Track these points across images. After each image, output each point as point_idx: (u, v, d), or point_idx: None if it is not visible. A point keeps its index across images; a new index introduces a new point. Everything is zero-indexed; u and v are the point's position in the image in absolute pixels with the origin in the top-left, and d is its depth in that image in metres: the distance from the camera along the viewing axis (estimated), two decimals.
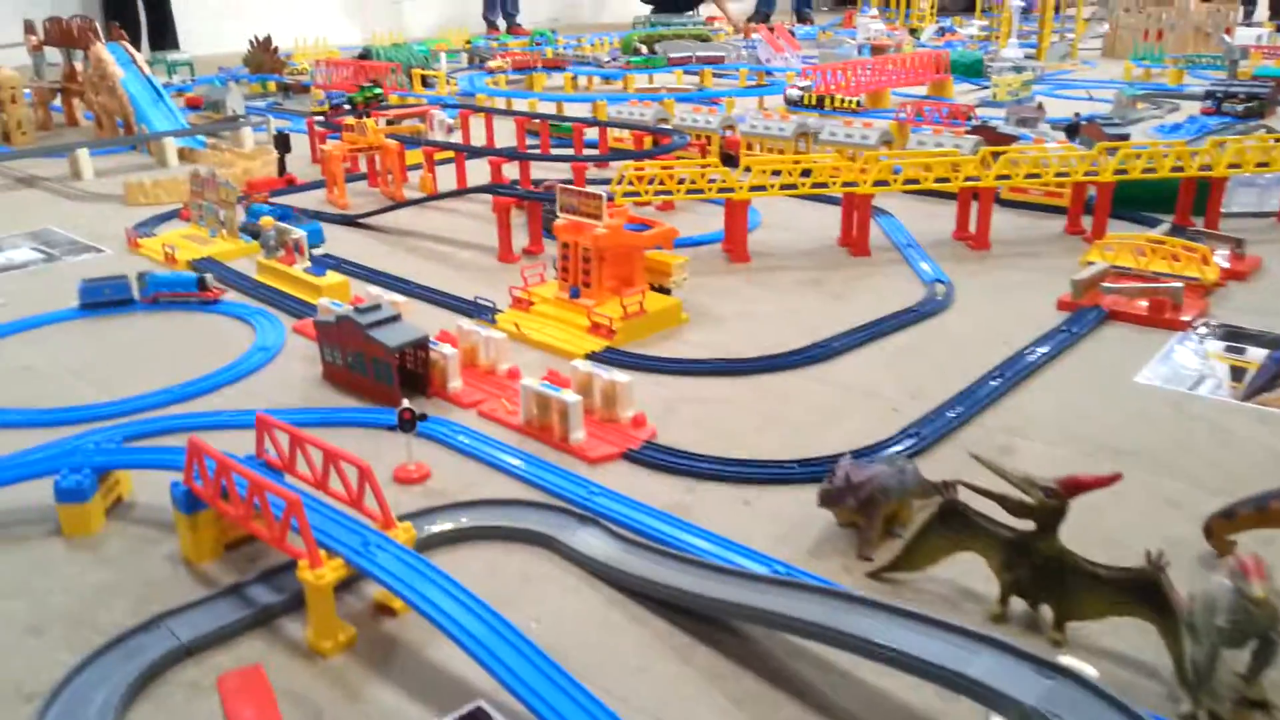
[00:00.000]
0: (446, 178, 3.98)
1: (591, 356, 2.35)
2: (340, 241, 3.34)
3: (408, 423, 1.87)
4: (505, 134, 4.88)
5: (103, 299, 2.74)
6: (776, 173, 2.98)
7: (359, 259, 3.11)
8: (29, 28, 6.30)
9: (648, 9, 11.05)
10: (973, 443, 1.92)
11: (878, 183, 2.98)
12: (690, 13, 10.45)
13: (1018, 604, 1.44)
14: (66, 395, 2.22)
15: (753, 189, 2.95)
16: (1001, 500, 1.41)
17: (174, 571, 1.58)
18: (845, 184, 2.98)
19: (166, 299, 2.75)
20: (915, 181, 3.03)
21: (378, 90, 5.00)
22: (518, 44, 8.81)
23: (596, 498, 1.74)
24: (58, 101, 5.95)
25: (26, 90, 5.51)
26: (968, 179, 3.04)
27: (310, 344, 2.47)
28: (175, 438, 2.00)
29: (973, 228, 3.15)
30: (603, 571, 1.54)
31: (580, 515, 1.66)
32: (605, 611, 1.47)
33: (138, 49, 6.48)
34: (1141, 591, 1.32)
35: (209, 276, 2.78)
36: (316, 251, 2.99)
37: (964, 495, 1.46)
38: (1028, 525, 1.40)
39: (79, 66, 5.67)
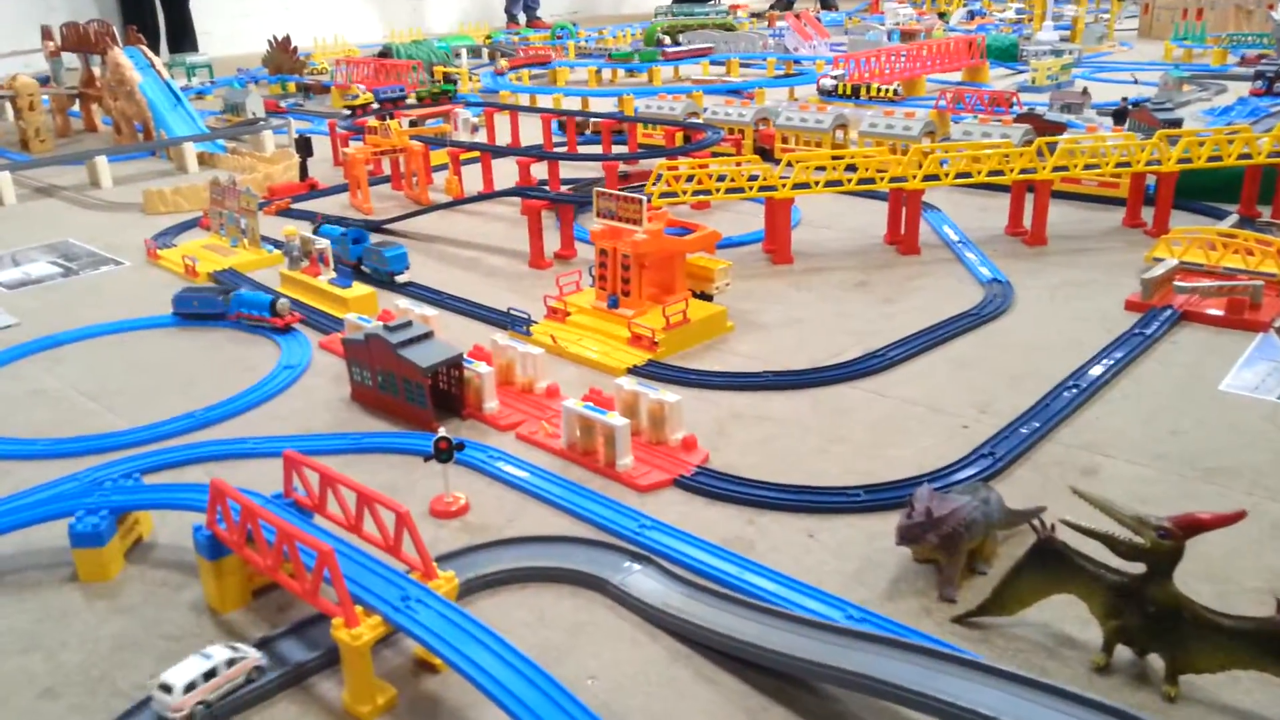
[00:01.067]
0: (472, 178, 3.85)
1: (634, 371, 2.22)
2: None
3: (444, 453, 1.75)
4: (531, 131, 4.75)
5: (192, 310, 2.67)
6: (819, 168, 2.83)
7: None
8: (46, 33, 6.21)
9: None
10: (1052, 463, 1.78)
11: (928, 177, 2.83)
12: (712, 1, 10.25)
13: (1123, 652, 1.30)
14: (86, 420, 2.11)
15: (796, 186, 2.80)
16: (1108, 541, 1.27)
17: (198, 622, 1.47)
18: (894, 179, 2.83)
19: (247, 320, 2.59)
20: (967, 175, 2.88)
21: (449, 87, 4.74)
22: (538, 37, 8.67)
23: (649, 532, 1.61)
24: (76, 107, 5.87)
25: (44, 96, 5.43)
26: (1023, 171, 2.88)
27: (338, 361, 2.35)
28: (199, 469, 1.89)
29: (1027, 222, 2.99)
30: (661, 619, 1.41)
31: (634, 553, 1.54)
32: (667, 667, 1.34)
33: (156, 52, 6.40)
34: (1270, 643, 1.18)
35: (284, 302, 2.56)
36: (401, 279, 2.82)
37: (1062, 531, 1.32)
38: (1137, 568, 1.26)
39: (96, 71, 5.58)
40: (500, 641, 1.22)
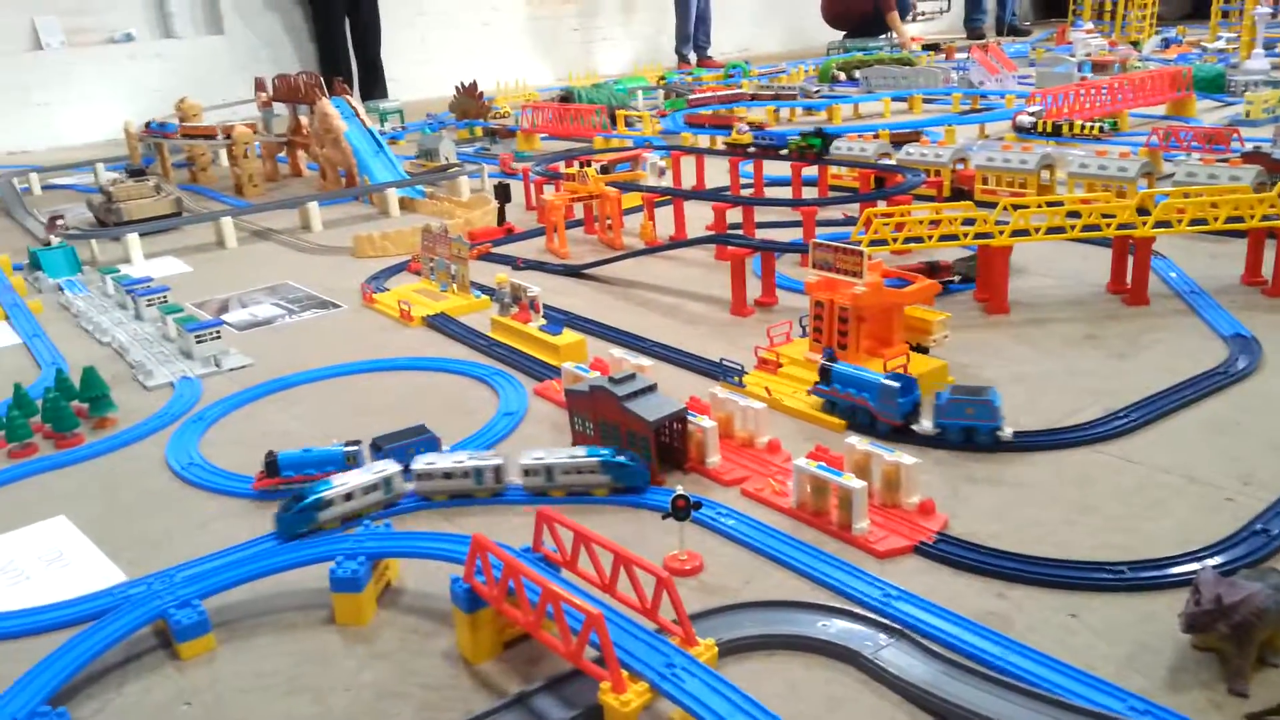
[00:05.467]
0: (663, 221, 3.89)
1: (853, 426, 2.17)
2: (566, 294, 3.29)
3: (682, 511, 1.74)
4: (717, 172, 4.77)
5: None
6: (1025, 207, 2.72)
7: (588, 313, 3.04)
8: (259, 85, 6.68)
9: (840, 34, 10.79)
10: None
11: (1159, 224, 2.67)
12: (885, 35, 10.12)
13: None
14: None
15: (1015, 234, 2.69)
16: None
17: (453, 674, 1.50)
18: (1122, 226, 2.69)
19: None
20: (1202, 221, 2.70)
21: (817, 142, 4.19)
22: (711, 76, 8.75)
23: (895, 602, 1.56)
24: (283, 153, 6.27)
25: (256, 144, 5.82)
26: (1265, 218, 2.68)
27: (554, 408, 2.39)
28: (436, 514, 1.95)
29: (1267, 271, 2.79)
30: (922, 699, 1.35)
31: (886, 626, 1.48)
32: None
33: None
34: None
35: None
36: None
37: None
38: None
39: (304, 120, 5.94)
40: (770, 716, 1.19)
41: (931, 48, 9.43)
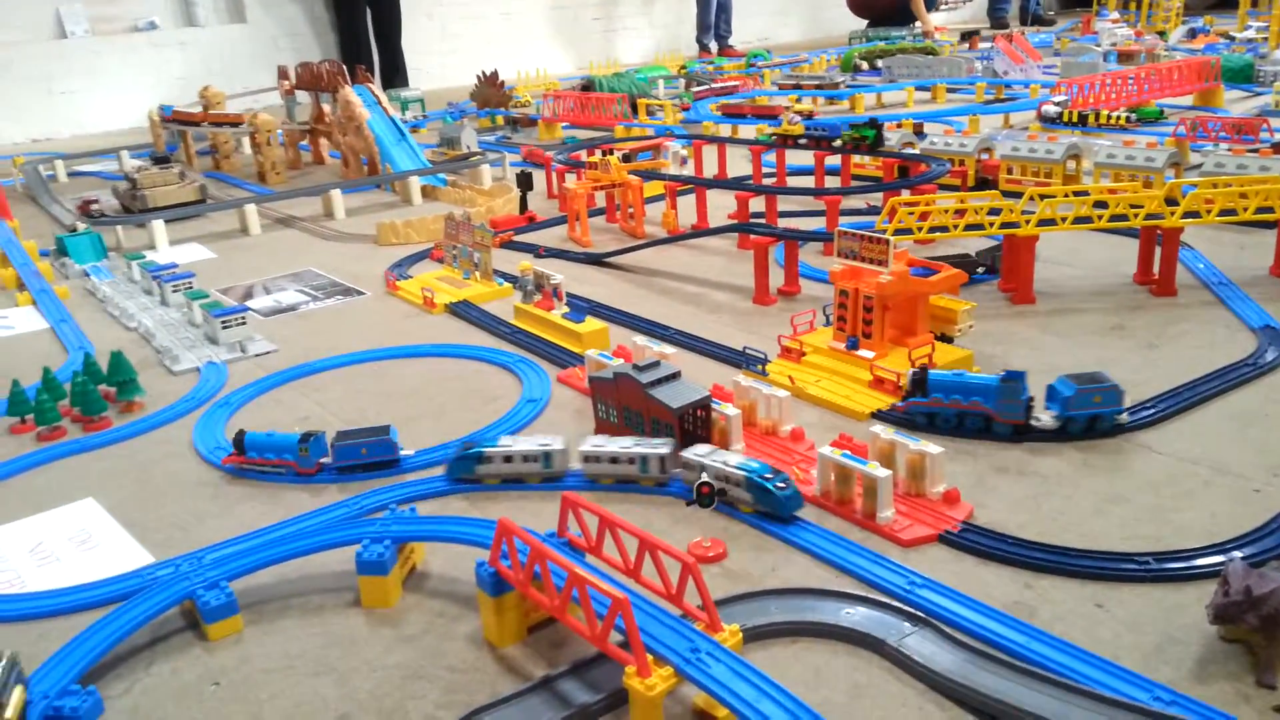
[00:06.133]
0: (685, 211, 3.88)
1: (878, 415, 2.16)
2: (589, 282, 3.29)
3: (706, 498, 1.75)
4: (738, 161, 4.76)
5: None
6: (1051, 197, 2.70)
7: (611, 301, 3.04)
8: (283, 73, 6.70)
9: (863, 23, 10.73)
10: None
11: (1188, 214, 2.65)
12: (910, 25, 10.05)
13: None
14: None
15: (1041, 223, 2.67)
16: None
17: (478, 656, 1.51)
18: (1150, 216, 2.66)
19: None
20: (1231, 212, 2.68)
21: (871, 134, 3.87)
22: (732, 65, 8.72)
23: (920, 590, 1.55)
24: (305, 141, 6.29)
25: (279, 131, 5.84)
26: None
27: (577, 395, 2.40)
28: (461, 499, 1.96)
29: None
30: (947, 687, 1.35)
31: (910, 614, 1.48)
32: None
33: None
34: None
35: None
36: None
37: None
38: None
39: (326, 108, 5.96)
40: (795, 701, 1.19)
41: (971, 34, 9.32)
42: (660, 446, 1.90)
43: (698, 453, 1.86)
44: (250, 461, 2.12)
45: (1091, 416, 1.98)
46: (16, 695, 1.36)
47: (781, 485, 1.76)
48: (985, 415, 2.00)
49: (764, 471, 1.78)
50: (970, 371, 2.21)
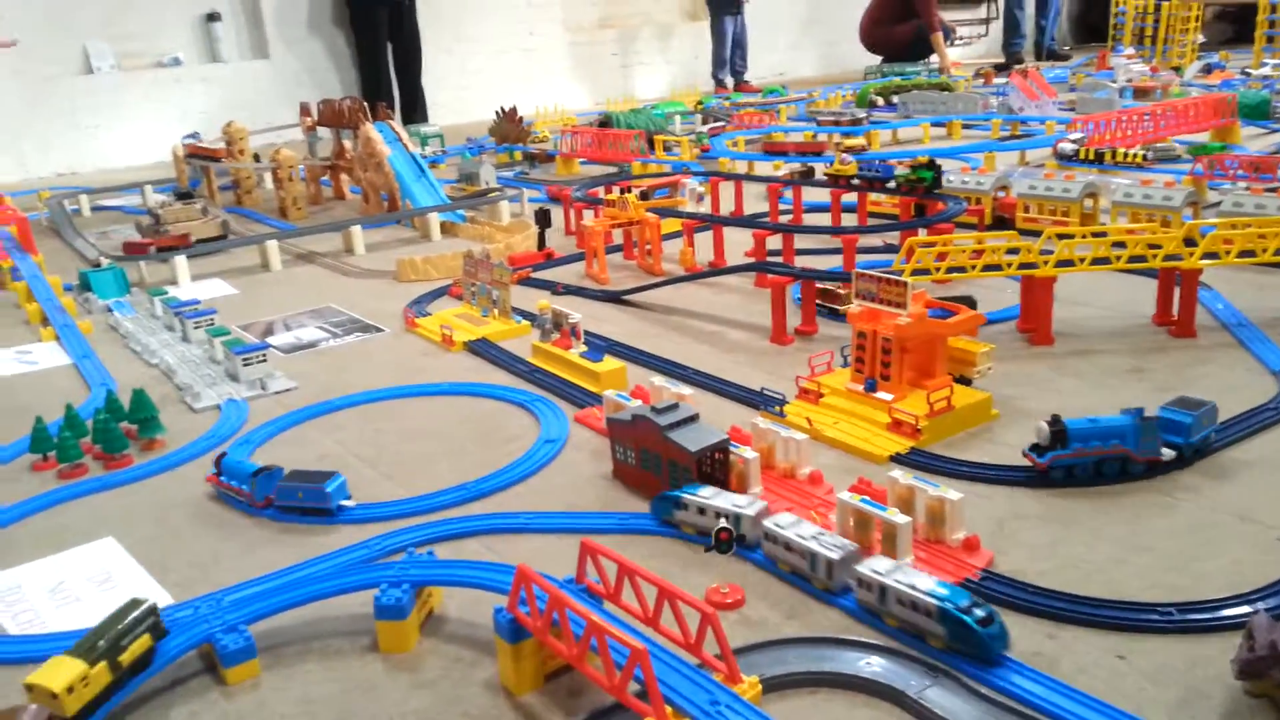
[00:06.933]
0: (703, 247, 3.90)
1: (896, 459, 2.16)
2: (607, 320, 3.31)
3: (724, 544, 1.75)
4: (754, 199, 4.78)
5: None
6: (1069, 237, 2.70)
7: (629, 340, 3.05)
8: (304, 109, 6.79)
9: (878, 59, 10.79)
10: None
11: (1207, 255, 2.64)
12: (925, 61, 10.10)
13: None
14: (368, 488, 2.23)
15: (1059, 264, 2.67)
16: None
17: (495, 703, 1.50)
18: (1168, 257, 2.66)
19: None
20: (1250, 254, 2.67)
21: (929, 175, 3.74)
22: (748, 101, 8.77)
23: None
24: (326, 177, 6.36)
25: (300, 167, 5.92)
26: None
27: (595, 435, 2.40)
28: (476, 541, 1.96)
29: None
30: None
31: (930, 665, 1.47)
32: None
33: None
34: None
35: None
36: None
37: None
38: None
39: (347, 144, 6.03)
40: None
41: (1005, 66, 9.35)
42: (833, 549, 1.68)
43: (875, 569, 1.60)
44: (222, 485, 2.21)
45: (1203, 438, 2.04)
46: (140, 643, 1.49)
47: (983, 618, 1.47)
48: (1124, 457, 1.97)
49: (959, 600, 1.50)
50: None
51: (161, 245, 4.49)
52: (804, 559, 1.71)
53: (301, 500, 2.10)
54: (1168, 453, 2.00)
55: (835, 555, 1.67)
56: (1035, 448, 2.01)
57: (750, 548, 1.82)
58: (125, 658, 1.48)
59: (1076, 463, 1.97)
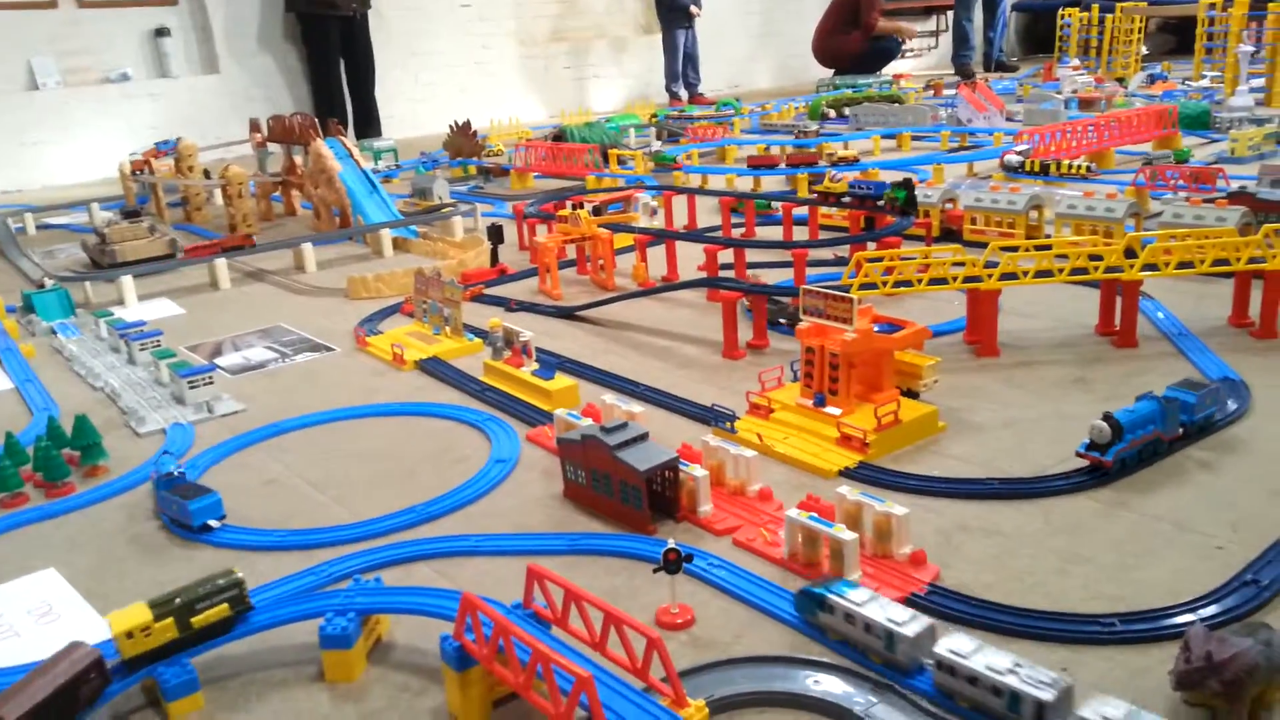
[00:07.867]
0: (655, 262, 3.91)
1: (845, 473, 2.17)
2: (559, 336, 3.30)
3: (674, 564, 1.74)
4: (707, 212, 4.81)
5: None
6: (1013, 249, 2.74)
7: (581, 356, 3.05)
8: (254, 125, 6.72)
9: (829, 71, 10.91)
10: None
11: (1147, 267, 2.70)
12: (878, 74, 10.22)
13: None
14: (316, 512, 2.21)
15: (1004, 277, 2.71)
16: None
17: None
18: (1109, 269, 2.71)
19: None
20: (1189, 265, 2.73)
21: (902, 195, 3.68)
22: (702, 113, 8.81)
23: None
24: (277, 193, 6.29)
25: (251, 183, 5.85)
26: (1251, 260, 2.71)
27: (546, 455, 2.40)
28: (426, 565, 1.94)
29: (1254, 312, 2.81)
30: None
31: (875, 681, 1.48)
32: None
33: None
34: None
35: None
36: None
37: None
38: None
39: (298, 160, 5.98)
40: None
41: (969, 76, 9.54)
42: (1043, 689, 1.32)
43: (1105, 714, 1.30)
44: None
45: (1206, 416, 2.20)
46: (218, 610, 1.59)
47: None
48: (1155, 439, 2.10)
49: None
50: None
51: (225, 246, 4.63)
52: (999, 696, 1.35)
53: (175, 513, 2.15)
54: (1178, 429, 2.16)
55: (1047, 695, 1.31)
56: (1093, 446, 2.07)
57: (905, 670, 1.49)
58: (198, 620, 1.57)
59: (1129, 454, 2.07)
